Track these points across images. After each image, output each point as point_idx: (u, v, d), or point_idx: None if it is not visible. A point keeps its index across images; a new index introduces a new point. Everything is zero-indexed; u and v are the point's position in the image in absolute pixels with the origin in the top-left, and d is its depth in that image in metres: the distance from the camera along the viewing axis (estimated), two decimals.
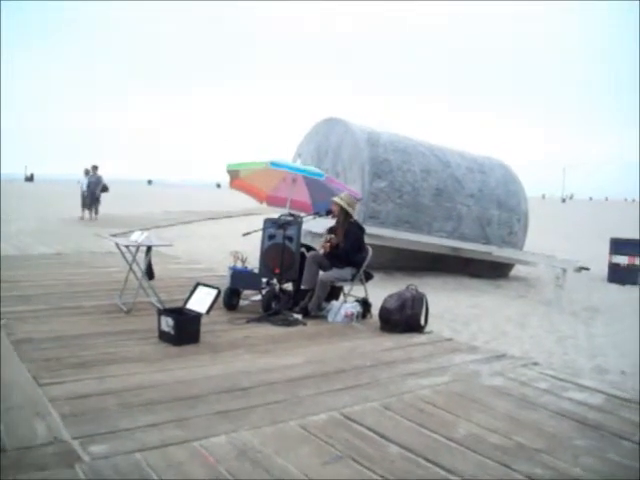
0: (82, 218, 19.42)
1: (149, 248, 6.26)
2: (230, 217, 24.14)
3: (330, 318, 6.04)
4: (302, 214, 6.80)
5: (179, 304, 5.37)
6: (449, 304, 8.21)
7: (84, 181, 20.06)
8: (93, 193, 19.76)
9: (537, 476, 2.80)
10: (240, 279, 6.35)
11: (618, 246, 11.85)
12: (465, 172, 11.40)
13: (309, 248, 6.76)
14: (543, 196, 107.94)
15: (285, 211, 6.87)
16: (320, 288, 6.15)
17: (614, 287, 11.03)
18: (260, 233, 6.44)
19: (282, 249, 6.13)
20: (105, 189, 20.30)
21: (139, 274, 6.22)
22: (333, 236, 6.34)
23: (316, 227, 8.43)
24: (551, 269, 10.56)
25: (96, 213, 19.80)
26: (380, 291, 6.59)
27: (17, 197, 28.52)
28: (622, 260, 11.66)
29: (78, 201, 20.35)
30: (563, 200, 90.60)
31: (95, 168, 20.44)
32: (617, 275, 11.58)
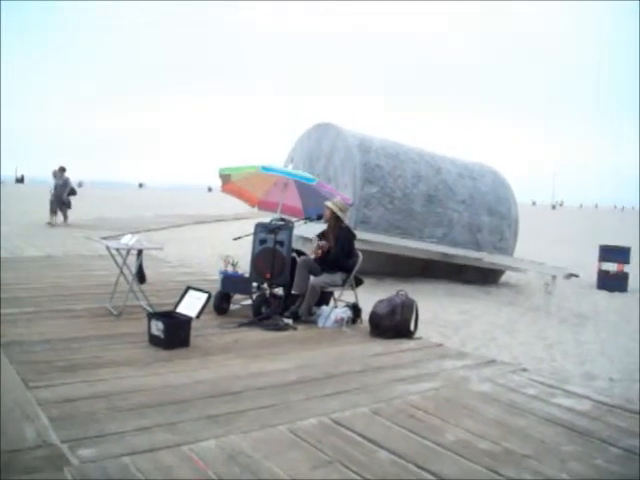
0: (50, 223, 17.77)
1: (140, 251, 6.25)
2: (221, 221, 24.10)
3: (320, 323, 6.05)
4: (293, 219, 6.81)
5: (169, 308, 5.37)
6: (439, 310, 8.24)
7: (52, 183, 18.49)
8: (59, 196, 18.19)
9: None
10: (231, 283, 6.36)
11: (607, 253, 11.96)
12: (456, 178, 11.47)
13: (300, 253, 6.78)
14: (533, 202, 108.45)
15: (276, 216, 6.88)
16: (310, 293, 6.16)
17: (603, 294, 11.11)
18: (251, 237, 6.45)
19: (273, 254, 6.14)
20: (73, 192, 18.77)
21: (129, 277, 6.22)
22: (325, 242, 6.35)
23: (307, 232, 8.44)
24: (541, 276, 10.63)
25: (65, 218, 18.25)
26: (370, 296, 6.60)
27: (7, 199, 28.36)
28: (611, 267, 11.75)
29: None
30: (553, 207, 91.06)
31: (62, 170, 18.67)
32: (606, 282, 11.66)
